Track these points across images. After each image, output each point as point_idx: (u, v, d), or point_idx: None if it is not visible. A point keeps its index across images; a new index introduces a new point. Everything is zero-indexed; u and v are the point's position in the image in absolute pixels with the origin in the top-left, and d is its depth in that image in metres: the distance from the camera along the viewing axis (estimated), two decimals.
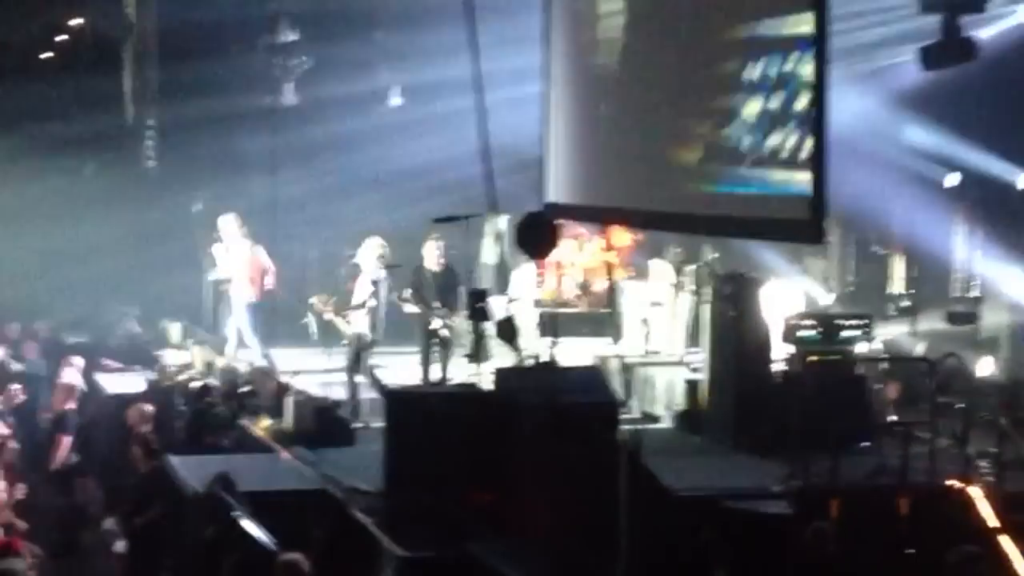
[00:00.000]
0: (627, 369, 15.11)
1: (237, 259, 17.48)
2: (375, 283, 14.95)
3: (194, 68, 22.55)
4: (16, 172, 23.07)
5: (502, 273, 17.74)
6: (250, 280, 17.42)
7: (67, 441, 15.54)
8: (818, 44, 10.23)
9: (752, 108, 11.90)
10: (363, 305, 14.91)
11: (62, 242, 21.61)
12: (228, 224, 17.48)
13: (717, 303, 13.40)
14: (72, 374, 16.47)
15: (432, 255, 15.20)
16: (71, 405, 15.84)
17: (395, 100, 22.46)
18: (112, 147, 24.33)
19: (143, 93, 24.58)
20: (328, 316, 15.35)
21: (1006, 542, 10.38)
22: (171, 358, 18.61)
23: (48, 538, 15.15)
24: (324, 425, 13.86)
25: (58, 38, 25.05)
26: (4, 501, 12.47)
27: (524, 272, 17.66)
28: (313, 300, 15.83)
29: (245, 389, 15.69)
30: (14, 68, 23.90)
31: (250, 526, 9.98)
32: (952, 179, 16.88)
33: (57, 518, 15.65)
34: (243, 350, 17.75)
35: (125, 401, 15.89)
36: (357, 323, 15.04)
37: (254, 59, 21.93)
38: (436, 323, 15.05)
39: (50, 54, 25.15)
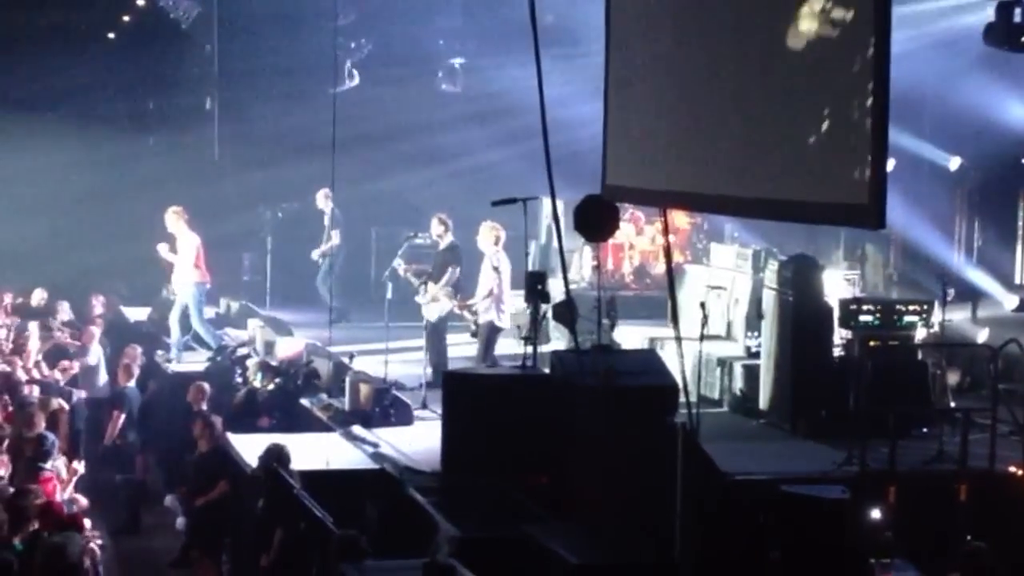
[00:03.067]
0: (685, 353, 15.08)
1: (184, 249, 17.65)
2: (496, 269, 14.94)
3: (255, 50, 22.64)
4: (78, 150, 23.30)
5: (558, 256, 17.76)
6: (195, 264, 17.69)
7: (122, 418, 15.69)
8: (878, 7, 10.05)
9: None
10: (490, 294, 14.90)
11: (122, 220, 21.80)
12: (171, 217, 17.71)
13: (776, 287, 13.35)
14: (130, 352, 16.63)
15: (488, 238, 15.23)
16: (129, 383, 15.99)
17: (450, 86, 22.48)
18: (174, 127, 24.49)
19: (205, 74, 24.71)
20: (458, 309, 15.34)
21: None
22: (232, 337, 18.78)
23: (110, 515, 15.35)
24: (383, 405, 13.93)
25: (123, 18, 25.23)
26: (66, 477, 12.60)
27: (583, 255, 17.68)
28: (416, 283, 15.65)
29: (305, 369, 15.78)
30: (79, 47, 24.09)
31: (303, 497, 10.06)
32: (954, 163, 16.78)
33: (118, 495, 15.83)
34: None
35: (186, 379, 16.04)
36: (485, 312, 15.03)
37: (315, 41, 21.98)
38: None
39: (113, 35, 25.33)
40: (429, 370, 14.73)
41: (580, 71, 17.07)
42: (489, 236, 14.99)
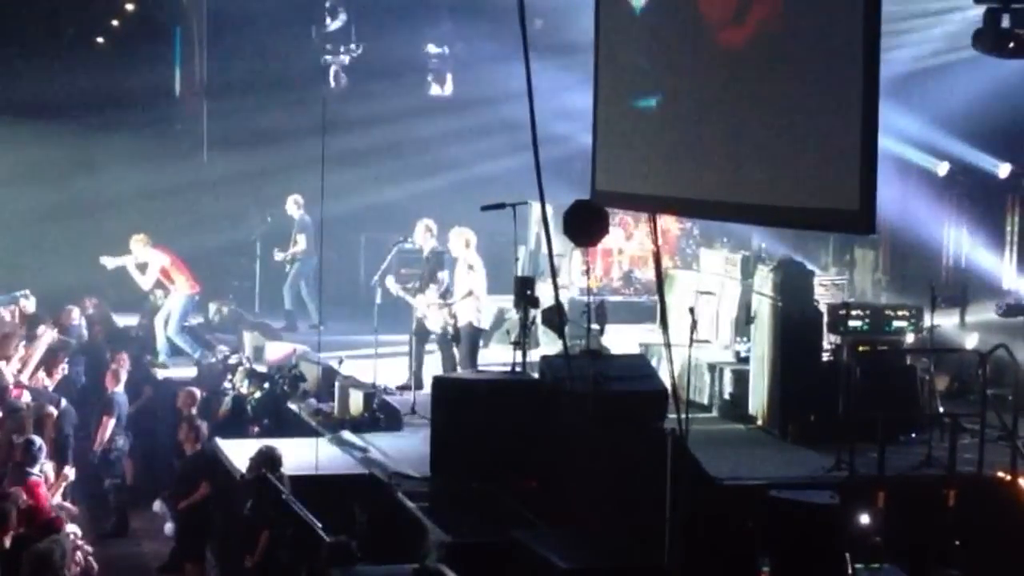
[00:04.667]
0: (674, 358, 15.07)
1: (151, 270, 18.26)
2: (471, 268, 14.87)
3: (243, 54, 22.60)
4: (65, 157, 23.26)
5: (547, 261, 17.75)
6: (168, 278, 18.39)
7: (111, 423, 15.66)
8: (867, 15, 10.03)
9: None
10: (469, 294, 14.84)
11: (111, 226, 21.74)
12: (136, 245, 18.29)
13: (765, 292, 13.35)
14: (119, 358, 16.58)
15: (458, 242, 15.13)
16: (118, 388, 15.95)
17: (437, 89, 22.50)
18: (163, 133, 24.45)
19: (193, 79, 24.68)
20: (439, 308, 15.18)
21: None
22: (221, 342, 18.75)
23: (99, 520, 15.33)
24: (372, 410, 13.91)
25: (112, 23, 25.21)
26: (53, 482, 12.57)
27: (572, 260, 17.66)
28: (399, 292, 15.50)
29: (291, 372, 15.76)
30: (67, 52, 24.06)
31: (290, 501, 10.05)
32: (942, 168, 16.76)
33: (107, 500, 15.81)
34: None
35: (176, 385, 16.03)
36: (464, 314, 14.92)
37: (304, 46, 21.96)
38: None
39: (102, 40, 25.31)
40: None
41: (570, 75, 17.08)
42: (459, 240, 14.96)
